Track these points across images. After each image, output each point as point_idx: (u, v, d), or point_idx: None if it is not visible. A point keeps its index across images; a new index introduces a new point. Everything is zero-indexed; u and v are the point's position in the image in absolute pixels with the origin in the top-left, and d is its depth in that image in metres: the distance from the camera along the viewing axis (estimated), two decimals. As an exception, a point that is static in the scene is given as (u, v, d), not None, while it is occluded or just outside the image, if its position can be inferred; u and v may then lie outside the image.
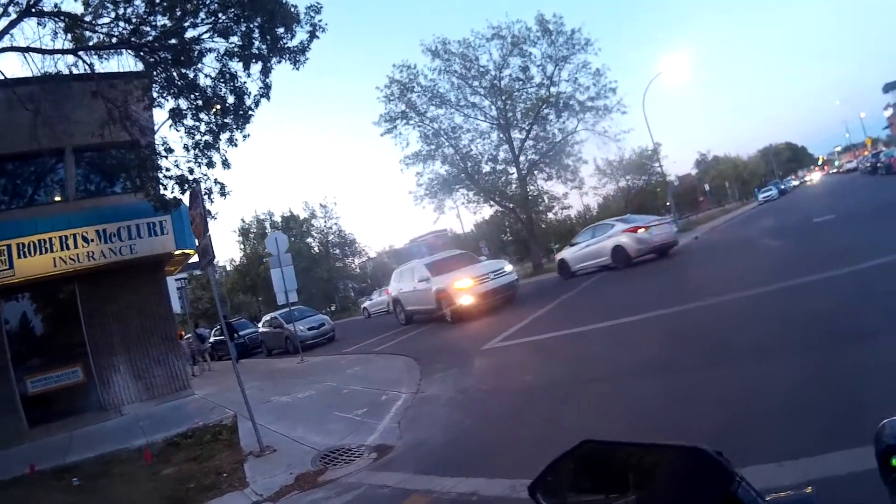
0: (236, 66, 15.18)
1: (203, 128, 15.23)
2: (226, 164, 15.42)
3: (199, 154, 15.11)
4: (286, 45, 15.14)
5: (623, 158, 49.26)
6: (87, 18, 14.50)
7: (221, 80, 15.20)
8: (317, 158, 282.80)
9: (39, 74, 14.55)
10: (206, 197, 14.50)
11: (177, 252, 18.27)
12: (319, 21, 15.38)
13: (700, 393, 7.03)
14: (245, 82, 15.36)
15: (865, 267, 11.12)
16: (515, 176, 46.97)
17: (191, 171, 15.04)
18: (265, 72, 15.19)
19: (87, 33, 14.69)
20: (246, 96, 15.38)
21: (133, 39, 14.46)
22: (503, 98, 45.36)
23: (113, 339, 17.73)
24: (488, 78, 45.68)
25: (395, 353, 18.59)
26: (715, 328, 10.27)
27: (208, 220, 15.47)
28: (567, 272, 28.99)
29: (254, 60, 15.07)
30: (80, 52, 14.56)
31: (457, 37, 55.51)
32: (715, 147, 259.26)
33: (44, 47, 14.12)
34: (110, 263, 17.00)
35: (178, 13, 14.31)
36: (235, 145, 15.49)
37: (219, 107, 15.19)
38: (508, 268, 24.20)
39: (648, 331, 11.66)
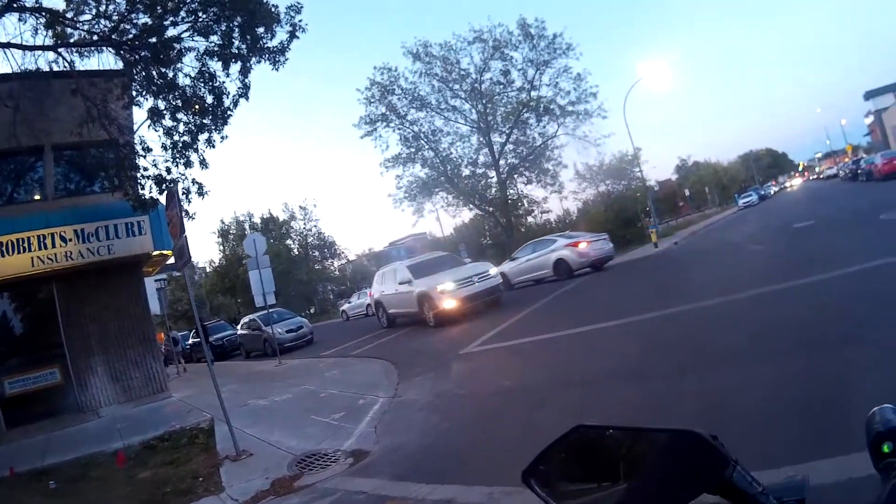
0: (216, 65, 15.06)
1: (181, 128, 15.09)
2: (204, 164, 15.28)
3: (178, 154, 14.98)
4: (266, 46, 15.03)
5: (603, 163, 49.59)
6: (69, 15, 14.38)
7: (201, 80, 15.07)
8: (297, 160, 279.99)
9: (19, 71, 14.42)
10: (183, 197, 14.57)
11: (155, 253, 18.13)
12: (300, 21, 15.32)
13: (675, 400, 7.03)
14: (224, 82, 15.24)
15: (843, 273, 11.22)
16: (495, 179, 47.06)
17: (168, 170, 14.91)
18: (244, 72, 15.07)
19: (68, 30, 14.58)
20: (224, 96, 15.24)
21: (113, 37, 14.33)
22: (484, 102, 45.66)
23: (90, 341, 17.54)
24: (469, 81, 46.04)
25: (374, 356, 18.59)
26: (690, 334, 10.33)
27: (185, 220, 15.49)
28: (507, 285, 28.75)
29: (233, 60, 14.95)
30: (61, 49, 14.44)
31: (438, 39, 55.39)
32: (696, 153, 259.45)
33: (24, 43, 14.02)
34: (88, 264, 16.85)
35: (159, 11, 14.18)
36: (214, 146, 15.36)
37: (197, 107, 15.06)
38: (493, 271, 23.83)
39: (624, 336, 11.69)
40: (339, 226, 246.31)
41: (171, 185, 14.34)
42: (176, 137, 15.02)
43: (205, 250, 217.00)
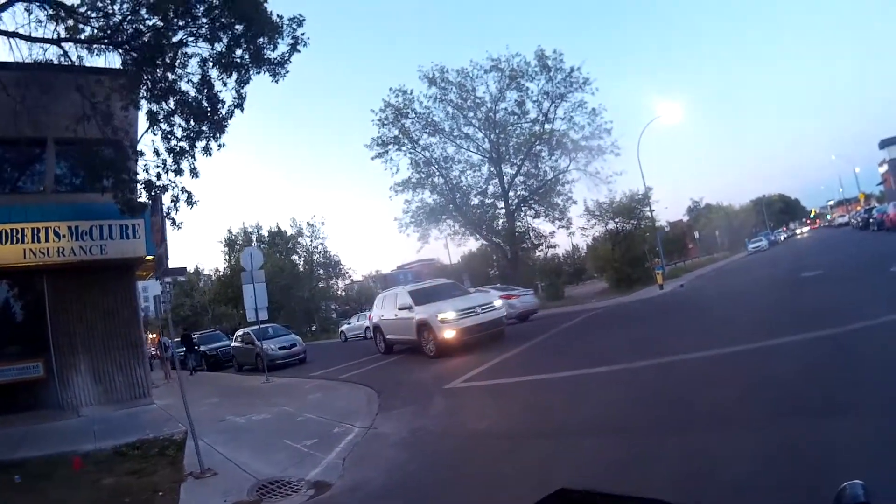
0: (216, 73, 14.94)
1: (179, 133, 14.97)
2: (194, 173, 15.13)
3: (174, 159, 14.85)
4: (266, 56, 14.84)
5: (613, 201, 49.16)
6: (81, 10, 14.31)
7: (202, 87, 14.92)
8: (311, 177, 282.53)
9: (23, 61, 14.40)
10: (172, 205, 14.68)
11: (147, 257, 17.87)
12: (302, 34, 15.18)
13: (652, 461, 6.63)
14: (220, 91, 15.14)
15: (846, 330, 10.82)
16: (503, 211, 46.72)
17: (158, 176, 14.74)
18: (241, 82, 14.92)
19: (71, 23, 14.48)
20: (220, 105, 15.06)
21: (117, 36, 14.23)
22: (497, 131, 45.60)
23: (76, 339, 17.69)
24: (483, 110, 45.97)
25: (361, 382, 18.19)
26: (679, 388, 9.92)
27: (173, 228, 15.35)
28: None
29: (234, 69, 14.83)
30: (63, 44, 14.39)
31: (455, 65, 55.24)
32: (708, 195, 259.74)
33: (31, 35, 14.01)
34: (79, 261, 16.89)
35: (163, 11, 14.03)
36: (210, 154, 15.27)
37: (196, 113, 14.89)
38: (498, 303, 22.74)
39: (612, 385, 11.37)
40: (347, 246, 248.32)
41: (158, 191, 14.17)
42: (173, 143, 14.90)
43: (211, 258, 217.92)
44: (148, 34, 14.38)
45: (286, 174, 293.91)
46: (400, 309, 23.34)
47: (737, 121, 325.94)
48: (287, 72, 15.33)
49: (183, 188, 15.00)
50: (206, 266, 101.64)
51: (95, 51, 14.83)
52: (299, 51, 15.23)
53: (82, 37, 14.62)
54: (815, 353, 9.92)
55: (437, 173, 47.24)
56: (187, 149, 14.95)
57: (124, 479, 9.91)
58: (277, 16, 14.81)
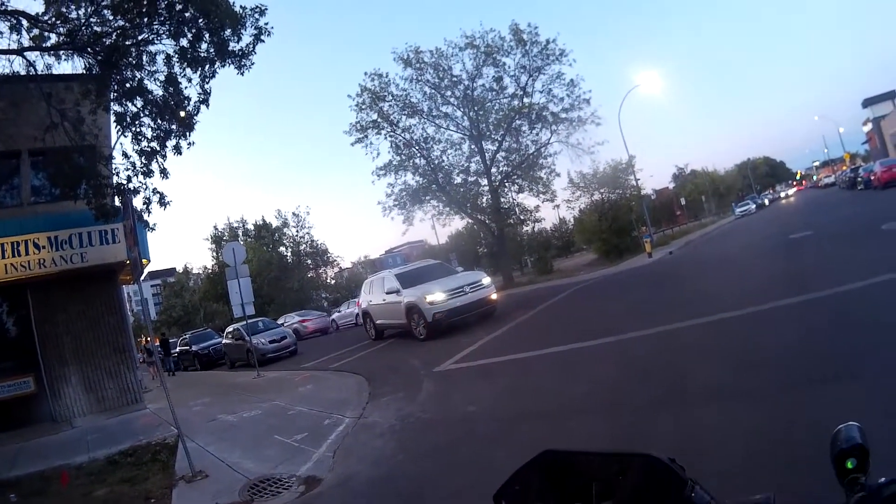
0: (181, 70, 14.68)
1: (149, 133, 14.72)
2: (164, 173, 14.88)
3: (144, 161, 14.62)
4: (231, 49, 14.56)
5: (597, 171, 48.94)
6: (45, 18, 14.14)
7: (168, 85, 14.68)
8: (293, 168, 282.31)
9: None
10: (144, 207, 14.57)
11: (128, 261, 17.43)
12: (265, 24, 14.85)
13: (646, 438, 6.48)
14: (186, 87, 14.92)
15: (840, 291, 10.70)
16: (487, 188, 46.49)
17: (128, 179, 14.51)
18: (205, 77, 14.69)
19: (37, 32, 14.26)
20: (186, 102, 14.83)
21: (80, 40, 13.99)
22: (476, 108, 45.12)
23: (65, 350, 17.37)
24: (461, 88, 45.45)
25: (351, 371, 18.13)
26: (673, 360, 9.73)
27: (147, 230, 15.15)
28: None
29: (199, 64, 14.58)
30: (27, 53, 14.12)
31: (430, 45, 54.72)
32: (693, 161, 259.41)
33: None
34: (61, 271, 16.71)
35: (123, 11, 13.77)
36: (180, 153, 15.00)
37: (163, 112, 14.68)
38: (486, 280, 22.51)
39: (603, 358, 11.20)
40: (335, 234, 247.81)
41: (129, 194, 13.97)
42: (143, 144, 14.66)
43: (199, 257, 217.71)
44: (112, 35, 14.11)
45: (268, 167, 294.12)
46: (387, 293, 23.18)
47: (719, 86, 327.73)
48: (252, 63, 15.05)
49: (154, 189, 14.79)
50: (194, 265, 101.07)
51: (63, 57, 14.63)
52: (263, 41, 14.91)
53: (47, 45, 14.36)
54: (809, 317, 9.78)
55: (419, 154, 46.78)
56: (158, 149, 14.72)
57: (117, 489, 9.86)
58: (240, 7, 14.54)
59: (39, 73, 14.34)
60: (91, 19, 14.08)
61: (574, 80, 44.32)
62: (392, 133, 45.95)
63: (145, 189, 14.69)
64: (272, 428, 12.42)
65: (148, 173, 14.63)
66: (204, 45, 14.49)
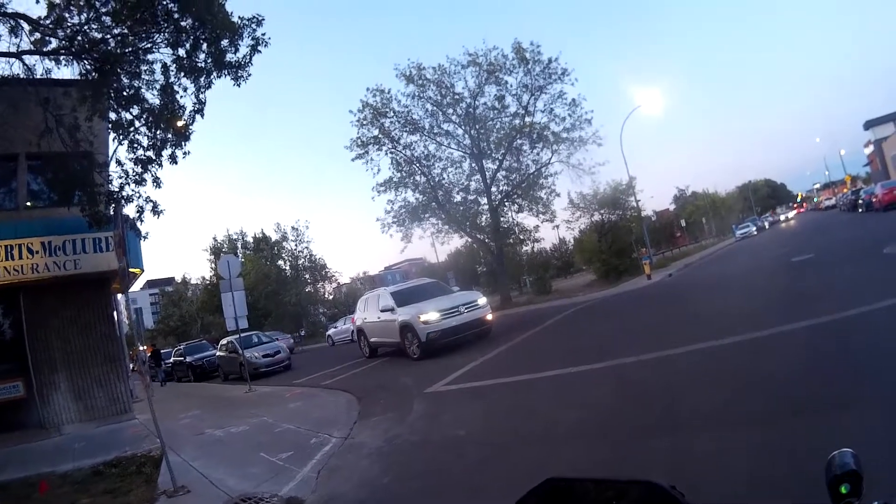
0: (178, 80, 14.60)
1: (145, 142, 14.63)
2: (157, 182, 14.78)
3: (140, 170, 14.55)
4: (228, 60, 14.44)
5: (597, 192, 48.74)
6: (46, 22, 13.94)
7: (164, 94, 14.58)
8: (294, 182, 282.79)
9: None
10: (137, 216, 14.57)
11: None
12: (262, 35, 14.75)
13: (639, 466, 6.24)
14: (182, 96, 14.87)
15: (843, 317, 10.50)
16: (487, 206, 46.37)
17: (121, 187, 14.42)
18: (200, 88, 14.63)
19: (38, 36, 14.18)
20: (181, 111, 14.76)
21: (80, 46, 13.89)
22: (477, 127, 45.07)
23: (55, 356, 17.44)
24: (463, 106, 45.28)
25: (343, 388, 17.97)
26: (670, 385, 9.53)
27: (139, 240, 15.06)
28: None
29: (196, 74, 14.51)
30: (26, 56, 14.04)
31: (432, 61, 54.59)
32: (694, 183, 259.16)
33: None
34: (54, 277, 16.73)
35: (122, 18, 13.69)
36: (175, 162, 14.97)
37: (160, 121, 14.60)
38: (482, 301, 22.18)
39: (597, 384, 10.97)
40: (334, 249, 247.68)
41: (119, 203, 13.88)
42: (139, 152, 14.57)
43: (198, 267, 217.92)
44: (110, 42, 14.05)
45: (269, 180, 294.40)
46: (382, 311, 22.93)
47: (721, 108, 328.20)
48: (249, 75, 14.97)
49: (147, 198, 14.68)
50: (193, 275, 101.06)
51: (63, 62, 14.49)
52: (260, 51, 14.83)
53: (46, 49, 14.28)
54: (811, 344, 9.56)
55: (419, 171, 46.56)
56: (153, 158, 14.63)
57: (99, 500, 9.76)
58: (239, 17, 14.49)
59: (38, 76, 14.28)
60: (91, 25, 14.01)
61: (576, 100, 44.16)
62: (393, 149, 45.90)
63: (138, 197, 14.61)
64: (258, 445, 12.20)
65: (141, 182, 14.55)
66: (202, 56, 14.44)
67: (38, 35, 14.12)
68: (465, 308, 20.91)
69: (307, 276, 79.94)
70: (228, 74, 14.64)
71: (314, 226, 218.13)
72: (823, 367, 8.07)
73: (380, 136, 45.19)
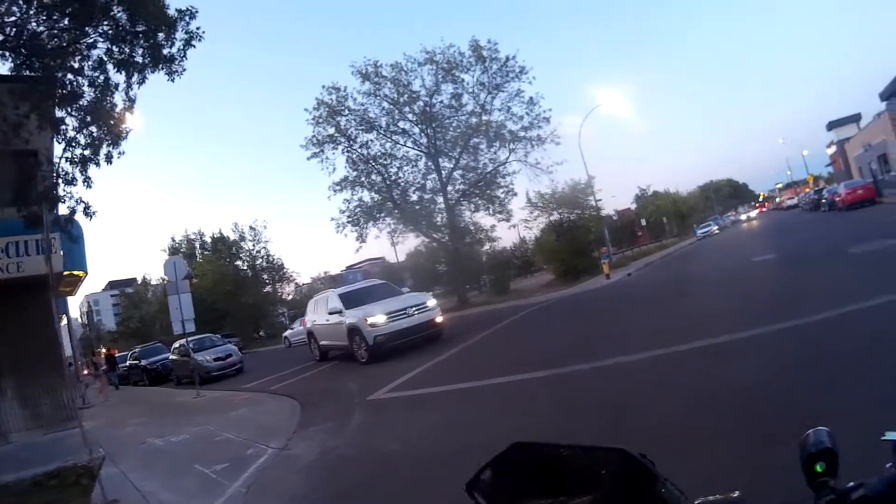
0: (115, 76, 14.30)
1: (82, 140, 14.28)
2: (88, 182, 14.45)
3: (80, 169, 14.24)
4: (164, 54, 14.18)
5: (555, 191, 48.65)
6: None
7: (103, 90, 14.29)
8: (252, 181, 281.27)
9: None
10: (67, 217, 14.40)
11: (66, 272, 17.91)
12: (197, 29, 14.49)
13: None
14: (114, 92, 14.48)
15: (810, 321, 10.09)
16: (443, 206, 46.63)
17: (53, 187, 14.08)
18: (130, 84, 14.34)
19: None
20: (114, 107, 14.45)
21: (16, 39, 13.62)
22: (433, 125, 45.15)
23: (1, 362, 17.02)
24: (419, 104, 45.40)
25: (289, 394, 17.74)
26: (621, 396, 9.10)
27: (81, 242, 14.80)
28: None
29: (133, 70, 14.21)
30: None
31: (389, 59, 54.26)
32: (656, 182, 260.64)
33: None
34: None
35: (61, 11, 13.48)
36: (111, 162, 14.55)
37: (98, 119, 14.32)
38: (431, 303, 21.97)
39: (547, 392, 10.53)
40: (294, 249, 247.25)
41: (54, 204, 13.67)
42: (77, 151, 14.23)
43: (159, 268, 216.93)
44: (55, 36, 13.86)
45: (228, 182, 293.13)
46: (330, 313, 22.66)
47: (683, 108, 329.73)
48: (184, 69, 14.74)
49: (79, 199, 14.36)
50: (153, 276, 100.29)
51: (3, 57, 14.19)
52: (194, 45, 14.59)
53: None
54: (778, 350, 9.13)
55: (375, 170, 46.67)
56: (90, 157, 14.28)
57: None
58: (176, 10, 14.28)
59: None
60: (31, 18, 13.73)
61: (534, 98, 44.63)
62: (349, 148, 45.98)
63: (70, 198, 14.31)
64: (196, 455, 12.00)
65: (72, 182, 14.21)
66: (139, 50, 14.14)
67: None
68: (415, 310, 20.66)
69: (265, 277, 79.60)
70: (163, 69, 14.37)
71: (272, 226, 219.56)
72: (795, 375, 7.66)
73: (335, 134, 45.32)
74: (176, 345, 33.57)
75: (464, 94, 45.37)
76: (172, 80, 14.70)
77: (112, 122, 14.46)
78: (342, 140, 45.51)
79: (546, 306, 27.87)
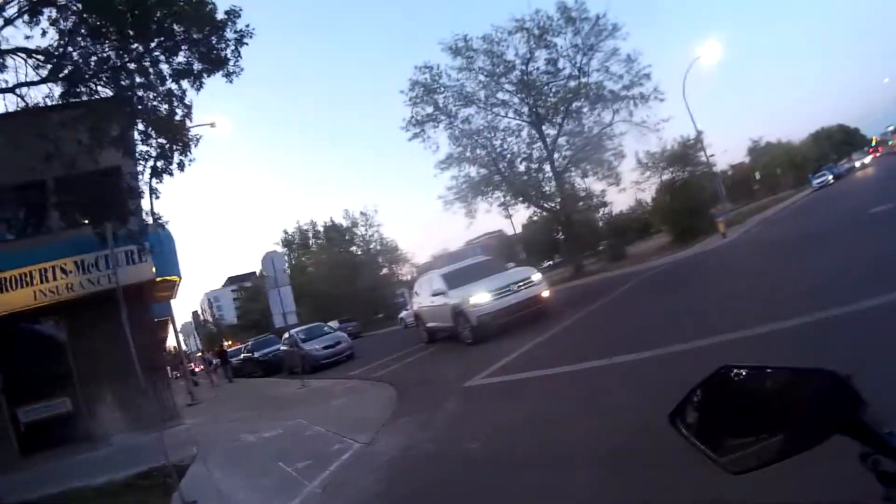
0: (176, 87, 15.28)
1: (153, 153, 15.52)
2: (155, 193, 14.71)
3: (155, 179, 14.74)
4: (220, 56, 14.77)
5: (665, 149, 47.22)
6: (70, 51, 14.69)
7: (169, 103, 14.72)
8: (359, 168, 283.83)
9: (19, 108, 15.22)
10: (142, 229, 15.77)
11: (158, 279, 18.49)
12: (247, 27, 14.99)
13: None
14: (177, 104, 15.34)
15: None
16: (551, 174, 45.62)
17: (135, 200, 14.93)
18: (182, 91, 15.35)
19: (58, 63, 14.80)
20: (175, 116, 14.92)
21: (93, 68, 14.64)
22: (532, 93, 44.17)
23: (99, 370, 17.63)
24: (516, 73, 44.40)
25: (390, 381, 17.49)
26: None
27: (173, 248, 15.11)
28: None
29: (194, 78, 14.95)
30: (41, 85, 14.83)
31: (478, 34, 53.25)
32: (769, 134, 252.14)
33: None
34: (90, 294, 16.98)
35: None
36: (183, 170, 15.10)
37: (167, 131, 14.78)
38: (536, 277, 20.84)
39: (660, 375, 8.67)
40: (411, 230, 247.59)
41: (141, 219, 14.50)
42: (151, 163, 15.31)
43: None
44: (127, 60, 14.70)
45: (335, 172, 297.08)
46: (434, 295, 22.00)
47: (785, 55, 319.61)
48: (241, 69, 15.31)
49: (149, 211, 14.91)
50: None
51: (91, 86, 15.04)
52: (246, 44, 15.04)
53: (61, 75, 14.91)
54: None
55: (479, 145, 45.83)
56: (163, 168, 15.08)
57: None
58: (225, 13, 14.68)
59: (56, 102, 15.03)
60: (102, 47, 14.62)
61: (631, 55, 43.02)
62: (450, 125, 45.33)
63: (144, 213, 14.76)
64: (281, 452, 11.92)
65: (141, 194, 14.56)
66: (196, 57, 14.81)
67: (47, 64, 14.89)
68: (519, 286, 19.74)
69: (380, 260, 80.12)
70: (219, 71, 14.89)
71: (386, 210, 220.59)
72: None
73: (435, 112, 44.70)
74: (286, 335, 33.81)
75: (559, 59, 44.18)
76: (231, 81, 15.52)
77: (183, 132, 14.86)
78: (442, 117, 44.95)
79: (659, 272, 26.78)
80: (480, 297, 19.14)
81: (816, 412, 1.27)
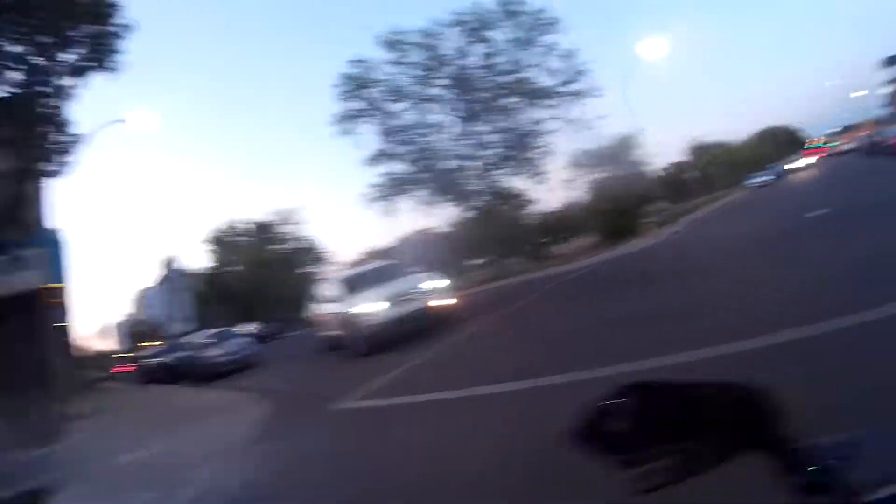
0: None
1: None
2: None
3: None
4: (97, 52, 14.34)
5: (599, 147, 46.82)
6: None
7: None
8: (294, 163, 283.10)
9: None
10: None
11: (45, 286, 18.43)
12: (122, 22, 14.77)
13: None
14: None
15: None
16: (480, 172, 45.52)
17: None
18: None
19: None
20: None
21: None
22: (466, 89, 44.07)
23: None
24: (450, 68, 44.38)
25: (269, 393, 16.52)
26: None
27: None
28: None
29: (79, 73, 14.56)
30: None
31: (415, 26, 52.64)
32: (709, 133, 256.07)
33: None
34: None
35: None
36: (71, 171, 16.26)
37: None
38: (441, 283, 19.61)
39: (549, 407, 6.57)
40: (340, 228, 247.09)
41: None
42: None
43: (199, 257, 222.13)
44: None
45: (262, 167, 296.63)
46: (332, 301, 20.50)
47: (729, 56, 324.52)
48: (120, 63, 15.24)
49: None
50: (193, 265, 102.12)
51: None
52: (122, 37, 14.86)
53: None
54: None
55: (407, 141, 45.53)
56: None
57: None
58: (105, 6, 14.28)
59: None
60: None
61: (570, 51, 42.85)
62: (379, 121, 45.17)
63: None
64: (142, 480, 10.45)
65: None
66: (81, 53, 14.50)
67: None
68: (420, 293, 18.47)
69: (305, 258, 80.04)
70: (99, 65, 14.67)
71: (315, 207, 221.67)
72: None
73: (365, 107, 44.63)
74: (181, 340, 33.77)
75: (495, 54, 44.06)
76: (111, 72, 15.07)
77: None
78: (372, 112, 44.86)
79: (580, 276, 25.76)
80: (375, 305, 17.74)
81: (732, 427, 1.24)
